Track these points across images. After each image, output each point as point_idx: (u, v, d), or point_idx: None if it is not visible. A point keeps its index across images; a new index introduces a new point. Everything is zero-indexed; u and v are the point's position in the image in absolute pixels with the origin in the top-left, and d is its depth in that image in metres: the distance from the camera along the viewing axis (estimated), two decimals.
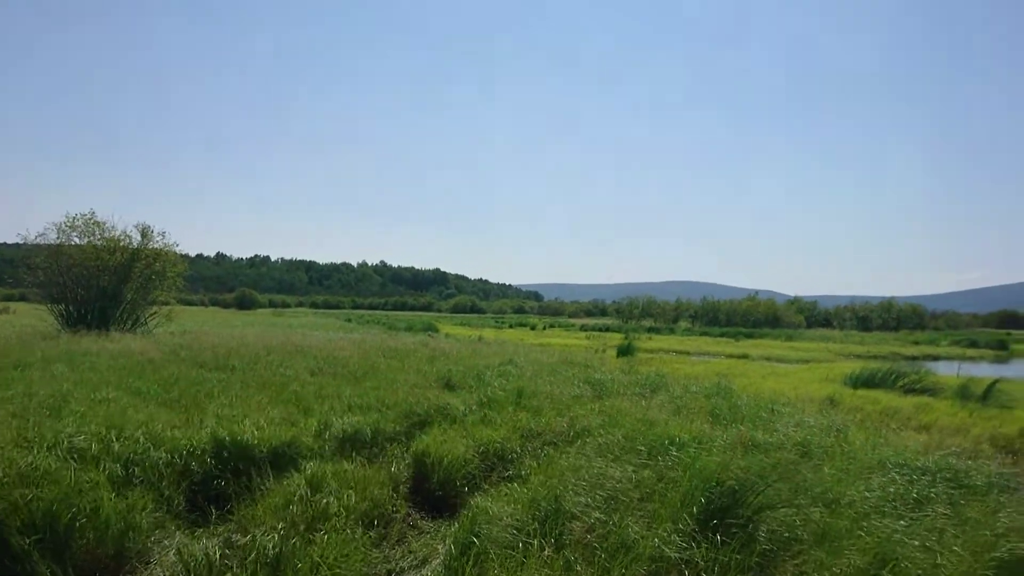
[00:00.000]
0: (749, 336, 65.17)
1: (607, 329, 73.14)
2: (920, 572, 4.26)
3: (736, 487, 5.44)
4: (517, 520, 5.75)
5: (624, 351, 31.94)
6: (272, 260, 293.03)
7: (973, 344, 58.53)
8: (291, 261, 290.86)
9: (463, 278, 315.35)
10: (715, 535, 5.05)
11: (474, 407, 11.45)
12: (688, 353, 39.17)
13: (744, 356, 36.89)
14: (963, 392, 16.62)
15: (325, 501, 6.49)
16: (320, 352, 19.26)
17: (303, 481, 7.08)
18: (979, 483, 7.01)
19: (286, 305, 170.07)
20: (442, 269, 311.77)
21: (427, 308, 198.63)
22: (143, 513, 6.30)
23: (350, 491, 6.78)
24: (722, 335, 67.17)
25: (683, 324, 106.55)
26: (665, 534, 5.22)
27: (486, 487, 7.63)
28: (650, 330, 73.79)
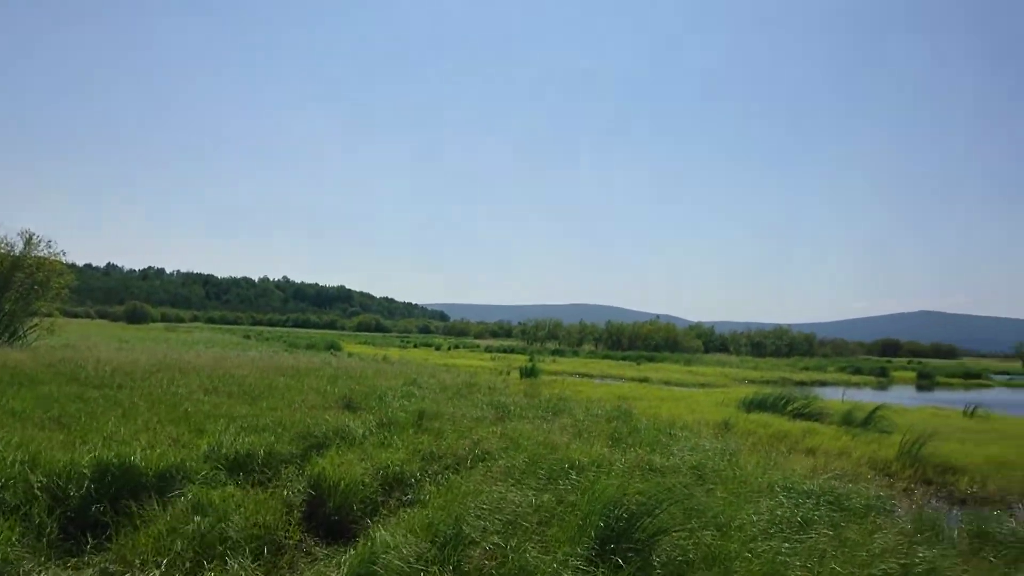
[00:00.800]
0: (650, 360, 66.73)
1: (512, 351, 73.53)
2: None
3: (633, 511, 5.53)
4: (415, 547, 5.66)
5: (528, 373, 32.13)
6: (167, 273, 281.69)
7: (857, 371, 61.63)
8: (187, 274, 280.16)
9: (368, 296, 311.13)
10: (612, 559, 5.10)
11: (374, 429, 11.26)
12: (591, 376, 39.75)
13: (645, 379, 37.72)
14: (847, 417, 17.47)
15: (212, 528, 6.21)
16: (215, 370, 18.57)
17: (189, 507, 6.77)
18: (859, 505, 7.36)
19: (180, 320, 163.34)
20: (347, 286, 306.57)
21: (331, 326, 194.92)
22: (9, 543, 5.87)
23: (239, 517, 6.52)
24: (624, 358, 68.55)
25: (587, 347, 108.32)
26: (563, 558, 5.24)
27: (384, 512, 7.49)
28: (555, 352, 74.60)
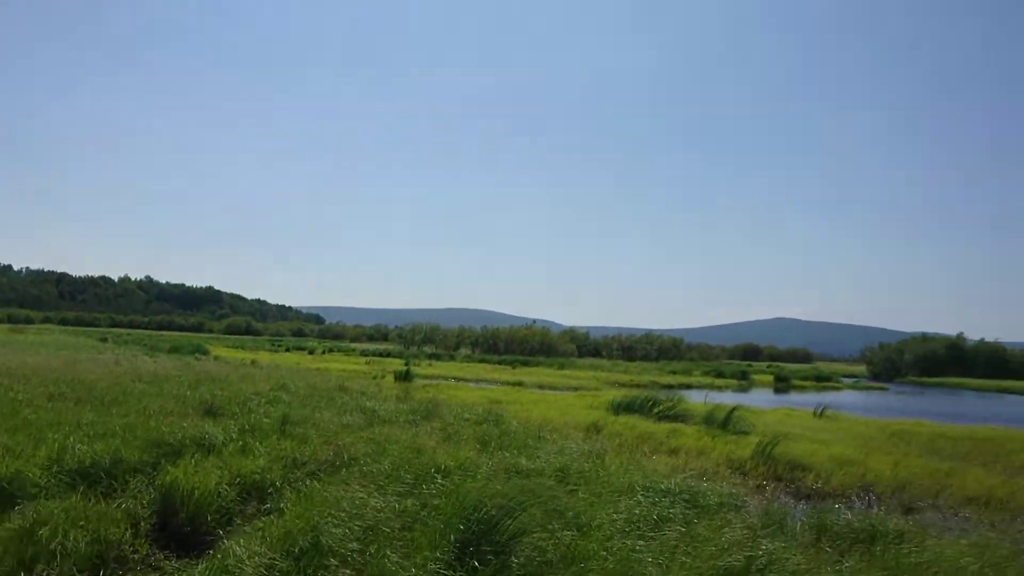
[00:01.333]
0: (525, 364, 67.61)
1: (388, 354, 72.71)
2: None
3: (493, 513, 5.55)
4: (270, 557, 5.46)
5: (402, 377, 31.85)
6: (15, 270, 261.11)
7: (721, 374, 64.73)
8: (38, 272, 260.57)
9: (239, 298, 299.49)
10: (471, 562, 5.09)
11: (235, 435, 10.83)
12: (467, 380, 39.85)
13: (519, 383, 38.15)
14: (708, 419, 18.26)
15: (47, 544, 5.77)
16: (64, 374, 17.35)
17: (22, 522, 6.26)
18: (712, 502, 7.69)
19: (29, 321, 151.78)
20: (216, 287, 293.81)
21: (198, 328, 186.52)
22: None
23: (79, 531, 6.09)
24: (500, 362, 69.16)
25: (464, 351, 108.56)
26: (422, 563, 5.19)
27: (240, 522, 7.19)
28: (431, 356, 74.40)
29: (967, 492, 11.80)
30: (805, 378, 67.29)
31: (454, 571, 4.99)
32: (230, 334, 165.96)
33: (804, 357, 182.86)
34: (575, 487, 7.94)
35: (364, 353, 75.09)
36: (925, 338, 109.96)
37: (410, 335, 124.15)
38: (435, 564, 5.10)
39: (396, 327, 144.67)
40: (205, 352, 47.44)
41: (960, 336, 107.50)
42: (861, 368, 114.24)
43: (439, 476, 7.81)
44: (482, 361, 70.69)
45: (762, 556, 5.41)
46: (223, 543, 6.15)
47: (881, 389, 64.74)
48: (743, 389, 51.62)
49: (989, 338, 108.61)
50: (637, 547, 5.41)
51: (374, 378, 32.52)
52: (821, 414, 23.71)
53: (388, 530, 6.01)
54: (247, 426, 11.55)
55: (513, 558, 5.14)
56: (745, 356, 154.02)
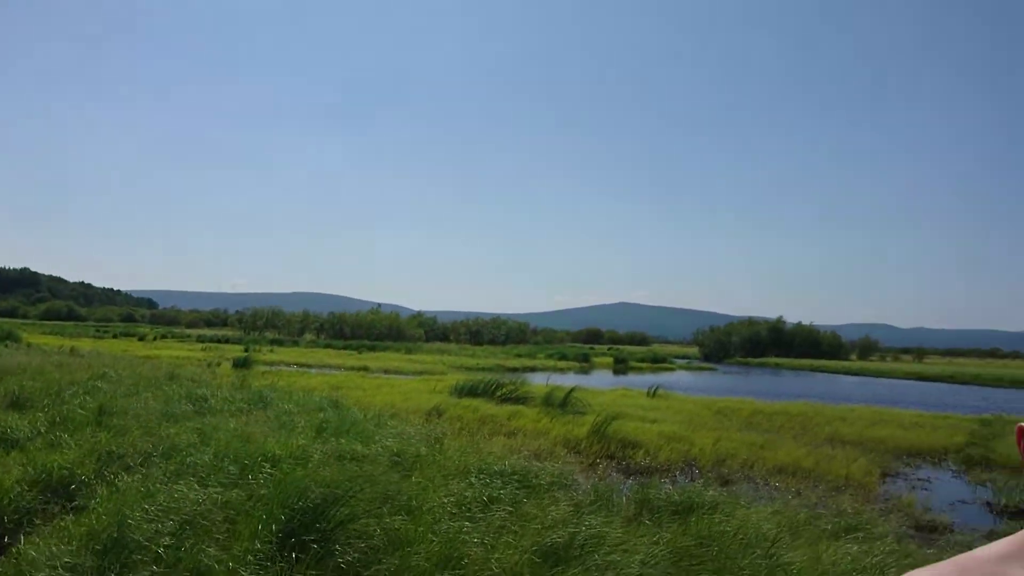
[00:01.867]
0: (372, 349, 66.78)
1: (228, 340, 69.66)
2: (476, 567, 4.60)
3: (319, 501, 5.40)
4: (71, 557, 5.05)
5: (241, 364, 30.59)
6: None
7: (564, 357, 66.74)
8: None
9: (60, 280, 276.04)
10: (292, 552, 4.94)
11: (44, 429, 9.98)
12: (310, 366, 38.81)
13: (364, 369, 37.60)
14: (547, 400, 18.75)
15: None
16: None
17: None
18: (543, 482, 7.89)
19: None
20: (32, 269, 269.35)
21: (10, 313, 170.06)
22: None
23: None
24: (346, 347, 67.94)
25: (309, 336, 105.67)
26: (240, 555, 4.97)
27: (40, 521, 6.62)
28: (273, 342, 71.88)
29: (778, 463, 12.77)
30: (642, 360, 70.66)
31: (273, 562, 4.82)
32: (49, 319, 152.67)
33: (642, 340, 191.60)
34: (409, 472, 7.90)
35: (201, 339, 71.54)
36: (751, 322, 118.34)
37: (251, 320, 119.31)
38: (254, 556, 4.90)
39: (236, 312, 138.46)
40: (17, 339, 43.42)
41: (780, 320, 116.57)
42: (694, 350, 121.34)
43: (268, 465, 7.52)
44: (327, 347, 69.20)
45: (586, 531, 5.59)
46: (18, 545, 5.63)
47: (711, 369, 69.06)
48: (585, 371, 53.43)
49: (805, 322, 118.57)
50: (464, 529, 5.44)
51: (210, 365, 31.02)
52: (654, 394, 24.93)
53: (208, 523, 5.72)
54: (58, 418, 10.68)
55: (336, 545, 5.02)
56: (588, 339, 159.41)
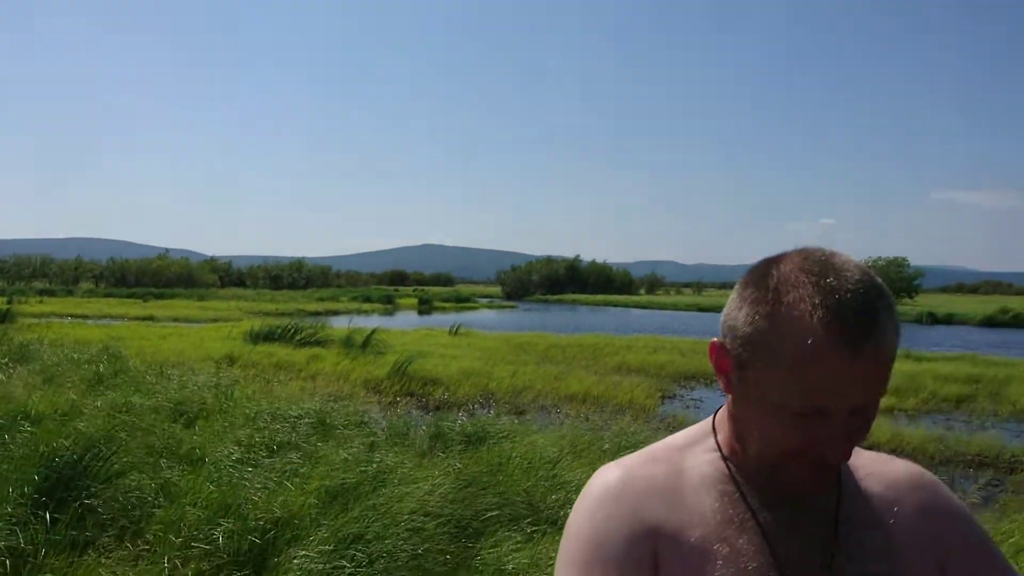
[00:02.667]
0: (159, 297, 62.42)
1: None
2: (259, 512, 4.45)
3: (80, 456, 4.95)
4: None
5: (1, 317, 27.37)
6: None
7: (368, 300, 66.04)
8: None
9: None
10: (47, 512, 4.51)
11: None
12: (87, 317, 35.56)
13: (150, 318, 35.10)
14: (348, 342, 18.45)
15: None
16: None
17: None
18: (339, 422, 7.78)
19: None
20: None
21: None
22: None
23: None
24: (131, 296, 63.03)
25: (86, 285, 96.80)
26: None
27: None
28: (43, 292, 65.19)
29: (570, 391, 13.46)
30: (447, 300, 71.56)
31: (27, 526, 4.38)
32: None
33: (448, 281, 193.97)
34: (193, 422, 7.48)
35: None
36: (550, 260, 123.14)
37: (15, 269, 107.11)
38: (5, 521, 4.43)
39: None
40: None
41: (577, 258, 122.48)
42: (497, 289, 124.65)
43: (27, 424, 6.81)
44: (108, 296, 63.81)
45: (380, 466, 5.59)
46: None
47: (512, 307, 71.30)
48: (389, 313, 53.23)
49: (599, 260, 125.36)
50: (246, 474, 5.24)
51: None
52: (456, 332, 25.33)
53: None
54: None
55: (100, 501, 4.66)
56: (393, 281, 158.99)
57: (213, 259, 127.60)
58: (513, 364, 16.73)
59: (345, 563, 3.74)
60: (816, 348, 0.86)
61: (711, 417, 1.14)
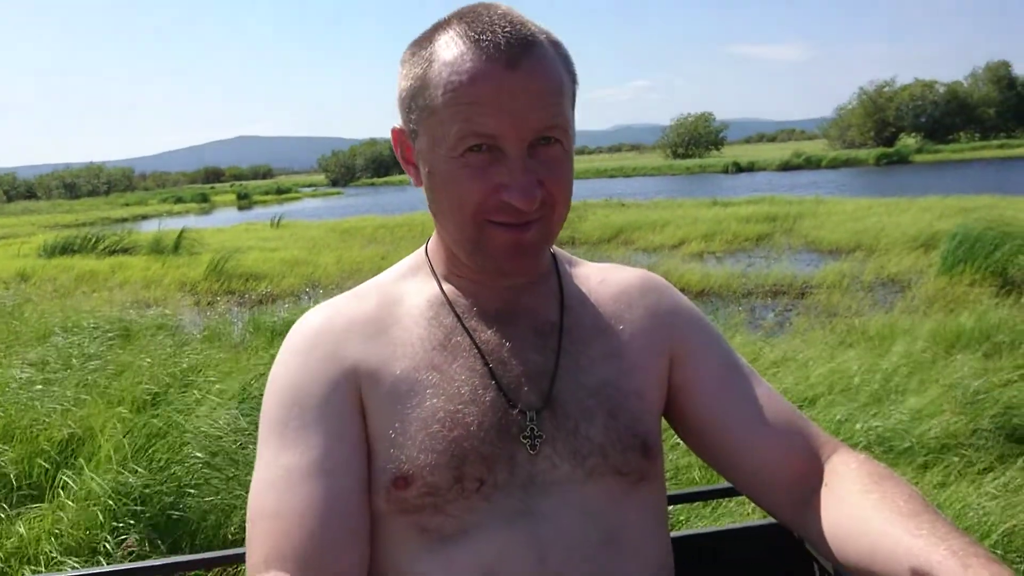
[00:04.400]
0: None
1: None
2: (54, 430, 4.10)
3: None
4: None
5: None
6: None
7: (180, 200, 61.90)
8: None
9: None
10: None
11: None
12: None
13: None
14: (156, 246, 17.24)
15: None
16: None
17: None
18: (146, 328, 7.28)
19: None
20: None
21: None
22: None
23: None
24: None
25: None
26: None
27: None
28: None
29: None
30: (267, 193, 68.51)
31: None
32: None
33: (267, 174, 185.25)
34: None
35: None
36: (373, 142, 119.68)
37: None
38: None
39: None
40: None
41: None
42: (321, 178, 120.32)
43: None
44: None
45: (185, 366, 5.29)
46: None
47: (338, 194, 69.35)
48: (205, 212, 50.32)
49: None
50: (35, 394, 4.79)
51: None
52: (278, 224, 24.32)
53: None
54: None
55: None
56: (207, 179, 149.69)
57: None
58: (338, 250, 16.33)
59: (129, 475, 3.47)
60: (469, 65, 0.83)
61: (423, 245, 1.07)
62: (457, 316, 0.96)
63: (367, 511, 0.89)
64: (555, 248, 1.08)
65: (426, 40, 0.89)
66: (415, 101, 0.89)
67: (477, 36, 0.84)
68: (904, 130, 79.52)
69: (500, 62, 0.82)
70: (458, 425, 0.88)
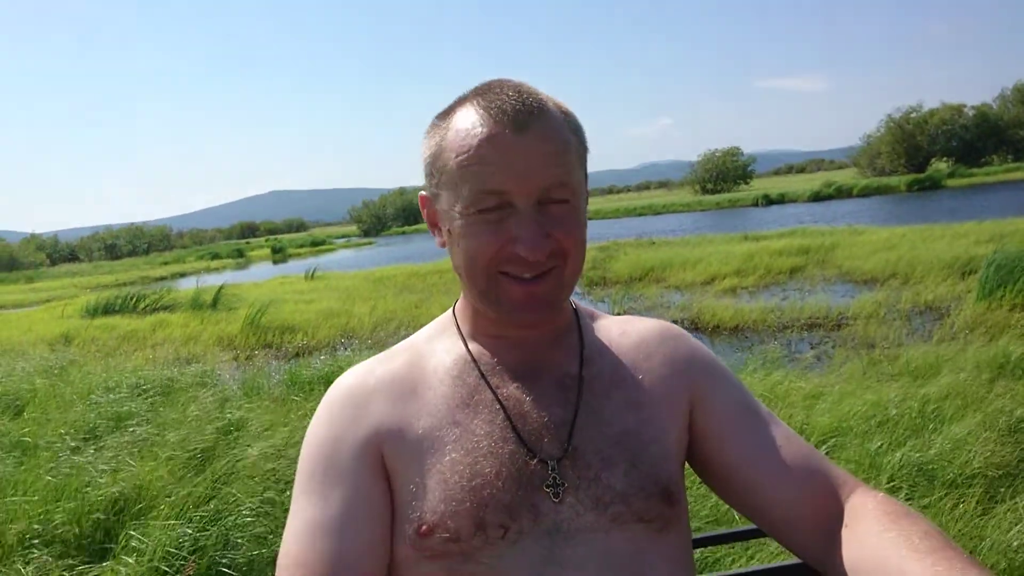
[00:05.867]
0: None
1: None
2: (100, 491, 4.18)
3: None
4: None
5: None
6: None
7: (216, 256, 63.07)
8: None
9: None
10: None
11: None
12: None
13: None
14: (195, 302, 17.58)
15: None
16: None
17: None
18: (186, 385, 7.41)
19: None
20: None
21: None
22: None
23: None
24: None
25: None
26: None
27: None
28: None
29: (432, 317, 13.36)
30: (301, 246, 69.58)
31: None
32: None
33: (300, 226, 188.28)
34: (21, 410, 6.91)
35: None
36: (402, 191, 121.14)
37: None
38: None
39: None
40: None
41: None
42: (353, 228, 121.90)
43: None
44: None
45: (228, 422, 5.38)
46: None
47: (370, 244, 70.18)
48: (241, 267, 51.17)
49: None
50: (87, 456, 4.90)
51: None
52: (312, 276, 24.68)
53: None
54: None
55: None
56: (243, 234, 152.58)
57: (34, 236, 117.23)
58: (372, 300, 16.49)
59: (188, 529, 3.55)
60: (480, 129, 0.92)
61: (452, 306, 1.15)
62: (481, 374, 1.02)
63: (383, 565, 0.95)
64: (576, 303, 1.14)
65: (446, 112, 0.99)
66: (435, 166, 0.99)
67: (488, 104, 0.93)
68: (935, 155, 78.56)
69: (508, 126, 0.91)
70: (477, 475, 0.93)
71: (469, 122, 0.94)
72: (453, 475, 0.94)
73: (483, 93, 0.96)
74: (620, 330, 1.11)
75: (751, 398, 1.07)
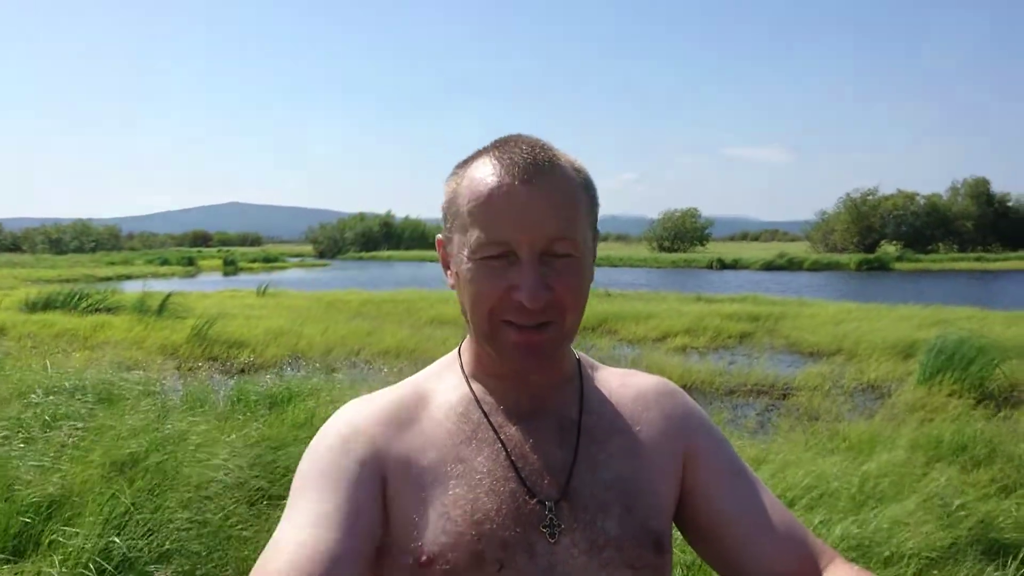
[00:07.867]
0: None
1: None
2: (30, 490, 4.03)
3: None
4: None
5: None
6: None
7: (166, 262, 61.70)
8: None
9: None
10: None
11: None
12: None
13: None
14: (140, 307, 17.16)
15: None
16: None
17: None
18: (127, 392, 7.21)
19: None
20: None
21: None
22: None
23: None
24: None
25: None
26: None
27: None
28: None
29: (384, 347, 13.30)
30: (254, 260, 68.64)
31: None
32: None
33: (255, 241, 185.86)
34: None
35: None
36: (362, 217, 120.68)
37: None
38: None
39: None
40: None
41: (389, 214, 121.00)
42: (309, 248, 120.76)
43: None
44: None
45: (165, 434, 5.24)
46: None
47: (324, 266, 69.56)
48: (190, 275, 50.16)
49: (413, 215, 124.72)
50: (15, 452, 4.72)
51: None
52: (264, 292, 24.32)
53: None
54: None
55: None
56: (195, 243, 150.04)
57: None
58: (324, 322, 16.28)
59: (116, 539, 3.44)
60: (491, 179, 0.96)
61: (458, 345, 1.17)
62: (484, 413, 1.05)
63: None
64: (580, 354, 1.18)
65: (466, 161, 1.04)
66: (449, 210, 1.03)
67: (502, 156, 0.98)
68: (886, 237, 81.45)
69: (518, 177, 0.95)
70: (478, 511, 0.96)
71: (483, 171, 0.98)
72: (456, 509, 0.97)
73: (500, 145, 1.00)
74: (620, 382, 1.15)
75: (741, 462, 1.11)
